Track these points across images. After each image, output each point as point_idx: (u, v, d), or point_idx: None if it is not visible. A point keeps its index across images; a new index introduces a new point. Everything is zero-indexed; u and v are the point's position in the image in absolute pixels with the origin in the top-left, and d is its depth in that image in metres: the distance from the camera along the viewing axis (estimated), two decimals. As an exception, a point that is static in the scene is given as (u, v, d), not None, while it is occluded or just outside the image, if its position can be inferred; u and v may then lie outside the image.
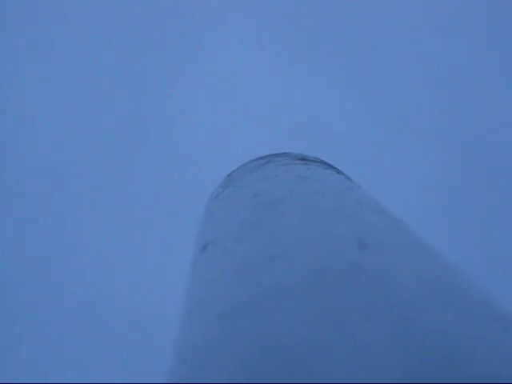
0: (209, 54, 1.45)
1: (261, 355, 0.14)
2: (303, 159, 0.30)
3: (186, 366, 0.15)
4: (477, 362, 0.12)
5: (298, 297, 0.15)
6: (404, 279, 0.15)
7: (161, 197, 1.30)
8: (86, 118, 1.36)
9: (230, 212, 0.25)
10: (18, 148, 1.33)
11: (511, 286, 1.29)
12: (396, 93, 1.46)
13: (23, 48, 1.40)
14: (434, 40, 1.49)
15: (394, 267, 0.16)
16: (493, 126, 1.45)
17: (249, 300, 0.16)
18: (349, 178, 0.29)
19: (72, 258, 1.28)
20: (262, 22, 1.48)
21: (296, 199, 0.22)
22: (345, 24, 1.49)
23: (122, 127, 1.35)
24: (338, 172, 0.29)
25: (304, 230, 0.19)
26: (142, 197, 1.29)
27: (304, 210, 0.21)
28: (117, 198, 1.31)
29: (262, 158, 0.32)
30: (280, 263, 0.17)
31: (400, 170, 1.41)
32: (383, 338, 0.13)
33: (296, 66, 1.46)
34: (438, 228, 1.36)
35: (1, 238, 1.28)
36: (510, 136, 1.44)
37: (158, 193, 1.29)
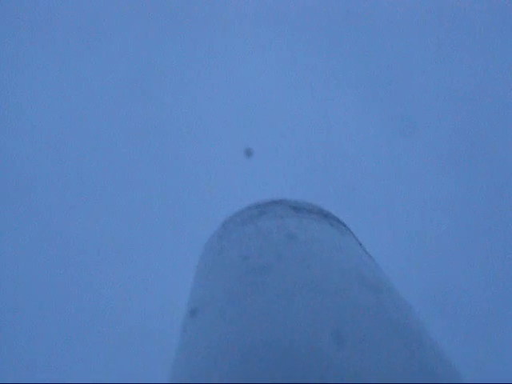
0: (217, 65, 1.45)
1: None
2: (297, 208, 0.30)
3: None
4: None
5: None
6: (376, 382, 0.15)
7: (171, 212, 1.30)
8: (90, 127, 1.37)
9: (219, 275, 0.25)
10: (21, 154, 1.35)
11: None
12: (412, 113, 1.45)
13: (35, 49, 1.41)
14: (456, 60, 1.48)
15: (369, 369, 0.15)
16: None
17: None
18: (343, 230, 0.29)
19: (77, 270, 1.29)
20: (274, 33, 1.48)
21: (282, 268, 0.22)
22: (358, 38, 1.48)
23: (126, 137, 1.36)
24: (332, 224, 0.29)
25: (284, 314, 0.19)
26: (152, 208, 1.30)
27: (288, 284, 0.21)
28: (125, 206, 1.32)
29: (256, 206, 0.32)
30: (255, 353, 0.17)
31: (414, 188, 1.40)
32: None
33: (312, 84, 1.46)
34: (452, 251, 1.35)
35: (6, 246, 1.30)
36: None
37: (170, 207, 1.29)
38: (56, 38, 1.43)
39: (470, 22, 1.47)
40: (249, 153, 1.18)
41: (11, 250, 1.29)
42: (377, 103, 1.45)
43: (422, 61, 1.49)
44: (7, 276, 1.28)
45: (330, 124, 1.43)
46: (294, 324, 0.18)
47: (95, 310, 1.26)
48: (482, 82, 1.46)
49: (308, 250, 0.24)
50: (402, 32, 1.48)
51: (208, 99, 1.39)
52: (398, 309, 0.20)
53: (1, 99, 1.39)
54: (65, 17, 1.44)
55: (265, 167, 1.35)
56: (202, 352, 0.20)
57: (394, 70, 1.47)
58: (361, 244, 0.28)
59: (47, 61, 1.41)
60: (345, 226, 0.30)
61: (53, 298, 1.27)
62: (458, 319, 1.30)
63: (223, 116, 1.38)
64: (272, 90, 1.43)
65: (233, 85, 1.43)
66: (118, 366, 1.21)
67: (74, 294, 1.27)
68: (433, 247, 1.37)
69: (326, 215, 0.30)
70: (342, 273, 0.22)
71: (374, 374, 0.15)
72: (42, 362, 1.23)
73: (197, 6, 1.48)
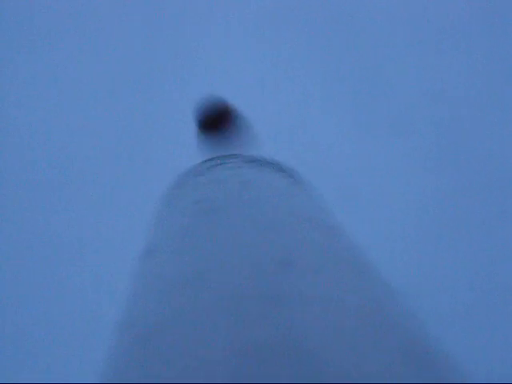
0: (203, 60, 1.43)
1: (177, 377, 0.15)
2: (253, 162, 0.30)
3: None
4: None
5: (216, 320, 0.15)
6: (320, 305, 0.15)
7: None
8: (86, 124, 1.34)
9: (172, 218, 0.25)
10: (19, 153, 1.32)
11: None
12: (396, 111, 1.46)
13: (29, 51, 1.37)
14: (444, 59, 1.49)
15: (312, 290, 0.16)
16: (496, 141, 1.46)
17: (169, 322, 0.16)
18: (299, 180, 0.30)
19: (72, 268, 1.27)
20: (263, 32, 1.47)
21: (234, 209, 0.22)
22: (345, 39, 1.48)
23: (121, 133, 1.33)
24: (288, 175, 0.29)
25: (235, 246, 0.19)
26: (143, 203, 1.28)
27: (239, 222, 0.21)
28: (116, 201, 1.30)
29: (212, 159, 0.32)
30: (205, 282, 0.17)
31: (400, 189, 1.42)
32: (285, 371, 0.13)
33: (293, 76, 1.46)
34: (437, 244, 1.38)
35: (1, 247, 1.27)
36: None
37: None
38: (53, 33, 1.39)
39: (457, 24, 1.49)
40: None
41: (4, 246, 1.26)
42: (366, 103, 1.45)
43: (409, 61, 1.50)
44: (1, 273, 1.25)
45: (316, 123, 1.43)
46: (242, 255, 0.18)
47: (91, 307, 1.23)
48: (467, 82, 1.48)
49: (260, 195, 0.24)
50: (390, 32, 1.48)
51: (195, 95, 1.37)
52: (347, 247, 0.21)
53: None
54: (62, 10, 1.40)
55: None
56: (155, 288, 0.20)
57: (383, 69, 1.48)
58: (318, 194, 0.29)
59: (45, 56, 1.37)
60: (300, 177, 0.30)
61: (48, 293, 1.24)
62: (446, 311, 1.32)
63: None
64: (263, 90, 1.42)
65: (221, 77, 1.41)
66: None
67: (71, 289, 1.25)
68: (419, 241, 1.39)
69: (280, 167, 0.30)
70: (292, 214, 0.22)
71: (321, 293, 0.16)
72: (39, 359, 1.20)
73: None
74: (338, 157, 1.43)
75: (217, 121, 0.44)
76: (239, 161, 0.30)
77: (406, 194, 1.42)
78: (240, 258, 0.18)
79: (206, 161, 0.31)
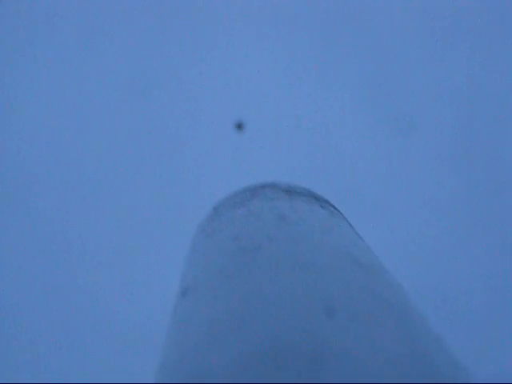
0: (215, 63, 1.45)
1: None
2: (289, 191, 0.30)
3: None
4: None
5: (253, 371, 0.15)
6: (368, 361, 0.15)
7: (168, 209, 1.29)
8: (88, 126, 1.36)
9: (210, 255, 0.25)
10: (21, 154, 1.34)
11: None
12: (409, 113, 1.45)
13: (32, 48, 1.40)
14: (461, 61, 1.48)
15: (358, 344, 0.16)
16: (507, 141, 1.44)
17: (204, 371, 0.16)
18: (333, 212, 0.29)
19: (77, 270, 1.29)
20: (274, 34, 1.48)
21: (273, 248, 0.22)
22: (358, 40, 1.48)
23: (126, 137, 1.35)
24: (323, 206, 0.29)
25: (273, 291, 0.19)
26: (147, 207, 1.29)
27: (278, 263, 0.21)
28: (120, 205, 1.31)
29: (248, 189, 0.32)
30: (245, 329, 0.17)
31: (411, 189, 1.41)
32: None
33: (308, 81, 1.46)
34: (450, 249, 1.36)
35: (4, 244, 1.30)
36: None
37: (165, 205, 1.28)
38: (56, 37, 1.42)
39: (468, 18, 1.47)
40: (240, 126, 1.16)
41: (11, 250, 1.29)
42: (374, 101, 1.45)
43: (419, 58, 1.48)
44: (7, 276, 1.28)
45: (326, 122, 1.43)
46: (284, 300, 0.18)
47: (96, 310, 1.25)
48: (480, 79, 1.46)
49: (298, 231, 0.24)
50: (398, 29, 1.48)
51: (205, 98, 1.38)
52: (388, 287, 0.21)
53: (1, 99, 1.38)
54: (64, 17, 1.43)
55: (259, 165, 1.34)
56: (193, 331, 0.20)
57: (392, 67, 1.47)
58: (351, 225, 0.29)
59: (47, 60, 1.41)
60: (335, 208, 0.30)
61: (53, 298, 1.26)
62: (456, 318, 1.31)
63: (220, 115, 1.38)
64: (267, 88, 1.43)
65: (229, 83, 1.42)
66: (118, 366, 1.20)
67: (74, 293, 1.27)
68: (431, 246, 1.38)
69: (316, 198, 0.30)
70: (331, 252, 0.22)
71: (367, 348, 0.15)
72: (42, 363, 1.23)
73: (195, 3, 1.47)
74: (354, 161, 1.42)
75: None
76: (275, 191, 0.30)
77: (422, 195, 1.41)
78: (281, 303, 0.18)
79: (241, 191, 0.31)
